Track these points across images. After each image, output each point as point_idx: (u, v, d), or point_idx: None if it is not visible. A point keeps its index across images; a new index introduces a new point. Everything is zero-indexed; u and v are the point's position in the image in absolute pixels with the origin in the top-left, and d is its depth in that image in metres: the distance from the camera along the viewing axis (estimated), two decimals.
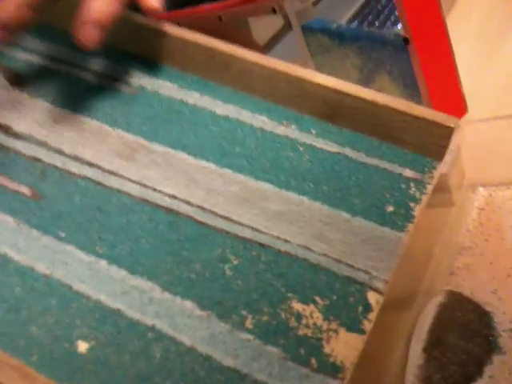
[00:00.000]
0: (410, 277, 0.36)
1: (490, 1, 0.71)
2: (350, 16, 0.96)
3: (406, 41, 0.54)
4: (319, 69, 0.62)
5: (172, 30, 0.43)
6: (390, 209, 0.35)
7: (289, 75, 0.40)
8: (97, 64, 0.43)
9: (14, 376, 0.23)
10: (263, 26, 0.83)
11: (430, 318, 0.34)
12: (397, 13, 0.94)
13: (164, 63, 0.43)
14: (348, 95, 0.39)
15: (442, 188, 0.41)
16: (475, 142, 0.46)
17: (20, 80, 0.41)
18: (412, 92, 0.56)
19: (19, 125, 0.38)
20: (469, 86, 0.55)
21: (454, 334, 0.33)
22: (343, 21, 0.91)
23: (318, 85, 0.40)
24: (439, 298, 0.35)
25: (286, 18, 0.80)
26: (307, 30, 0.65)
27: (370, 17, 0.96)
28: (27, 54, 0.43)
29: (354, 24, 0.89)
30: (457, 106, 0.57)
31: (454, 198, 0.42)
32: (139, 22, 0.42)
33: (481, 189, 0.45)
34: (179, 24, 0.57)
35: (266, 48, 0.85)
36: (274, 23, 0.87)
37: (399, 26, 0.92)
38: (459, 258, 0.40)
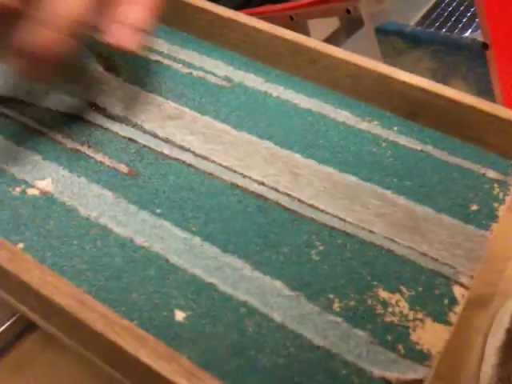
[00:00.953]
0: (490, 277, 0.36)
1: None
2: (417, 20, 0.96)
3: (484, 46, 0.54)
4: None
5: (259, 24, 0.44)
6: (474, 208, 0.35)
7: (373, 72, 0.41)
8: (186, 55, 0.45)
9: (124, 335, 0.25)
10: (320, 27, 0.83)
11: (507, 317, 0.34)
12: (465, 19, 0.93)
13: (248, 57, 0.45)
14: (433, 94, 0.39)
15: None
16: None
17: (113, 65, 0.44)
18: (486, 97, 0.56)
19: (115, 108, 0.40)
20: None
21: None
22: (412, 23, 0.91)
23: (403, 82, 0.40)
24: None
25: (343, 20, 0.81)
26: (380, 32, 0.66)
27: (438, 23, 0.95)
28: None
29: (424, 27, 0.89)
30: None
31: None
32: (225, 16, 0.44)
33: None
34: None
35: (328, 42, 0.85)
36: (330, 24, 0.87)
37: (468, 33, 0.91)
38: None
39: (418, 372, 0.27)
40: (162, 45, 0.46)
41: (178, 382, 0.23)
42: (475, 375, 0.33)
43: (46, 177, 0.35)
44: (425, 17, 0.93)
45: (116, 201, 0.34)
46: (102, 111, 0.40)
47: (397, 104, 0.41)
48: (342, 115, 0.41)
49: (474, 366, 0.33)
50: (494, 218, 0.35)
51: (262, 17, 0.76)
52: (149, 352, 0.24)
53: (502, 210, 0.36)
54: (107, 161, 0.36)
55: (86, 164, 0.36)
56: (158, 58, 0.45)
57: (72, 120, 0.39)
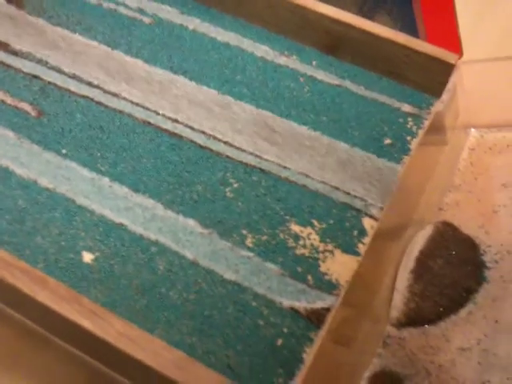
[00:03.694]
0: (402, 209, 0.37)
1: None
2: None
3: None
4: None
5: None
6: (388, 141, 0.36)
7: (291, 3, 0.40)
8: None
9: (24, 279, 0.24)
10: None
11: (418, 245, 0.35)
12: None
13: None
14: (351, 26, 0.39)
15: (437, 127, 0.42)
16: (470, 84, 0.46)
17: None
18: (410, 31, 0.56)
19: (18, 43, 0.37)
20: (468, 28, 0.55)
21: (441, 261, 0.34)
22: None
23: (321, 14, 0.39)
24: (429, 228, 0.36)
25: None
26: None
27: None
28: None
29: None
30: (453, 48, 0.57)
31: (448, 138, 0.43)
32: None
33: (473, 130, 0.46)
34: None
35: None
36: None
37: None
38: (449, 195, 0.41)
39: (326, 301, 0.28)
40: None
41: (79, 321, 0.23)
42: (387, 301, 0.34)
43: None
44: None
45: (19, 141, 0.32)
46: (4, 46, 0.37)
47: (316, 37, 0.40)
48: (261, 50, 0.40)
49: (386, 293, 0.34)
50: (406, 151, 0.35)
51: None
52: (49, 294, 0.24)
53: (414, 143, 0.36)
54: (9, 99, 0.34)
55: None
56: None
57: None
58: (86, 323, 0.23)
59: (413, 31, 0.56)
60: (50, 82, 0.35)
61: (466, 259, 0.35)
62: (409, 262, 0.35)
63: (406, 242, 0.37)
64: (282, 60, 0.40)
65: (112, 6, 0.41)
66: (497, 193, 0.40)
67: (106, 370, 0.25)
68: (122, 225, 0.29)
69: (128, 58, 0.38)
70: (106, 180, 0.31)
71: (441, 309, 0.33)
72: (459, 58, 0.56)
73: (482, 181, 0.42)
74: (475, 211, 0.39)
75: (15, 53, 0.36)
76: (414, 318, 0.33)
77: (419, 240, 0.36)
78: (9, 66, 0.36)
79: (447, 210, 0.40)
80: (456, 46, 0.57)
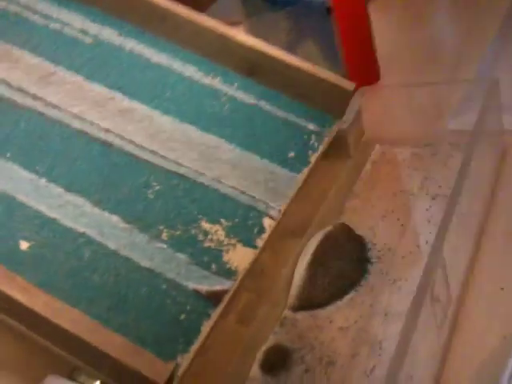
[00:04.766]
0: (305, 212, 0.43)
1: None
2: None
3: (328, 10, 0.60)
4: (253, 30, 0.67)
5: None
6: (291, 154, 0.42)
7: (214, 32, 0.46)
8: (44, 7, 0.47)
9: None
10: None
11: (315, 242, 0.41)
12: None
13: (104, 11, 0.48)
14: (264, 55, 0.45)
15: (342, 142, 0.48)
16: (378, 105, 0.53)
17: None
18: (333, 57, 0.63)
19: None
20: (384, 54, 0.62)
21: (334, 256, 0.41)
22: None
23: (240, 43, 0.46)
24: (327, 229, 0.43)
25: None
26: None
27: None
28: None
29: None
30: (371, 73, 0.64)
31: (352, 152, 0.49)
32: None
33: (377, 146, 0.53)
34: None
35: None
36: None
37: None
38: (349, 201, 0.47)
39: (225, 284, 0.34)
40: None
41: (13, 295, 0.28)
42: (286, 289, 0.40)
43: None
44: None
45: None
46: None
47: (236, 62, 0.47)
48: (190, 70, 0.46)
49: (285, 282, 0.41)
50: (306, 163, 0.42)
51: None
52: None
53: (314, 157, 0.43)
54: None
55: None
56: (16, 9, 0.46)
57: None
58: (18, 296, 0.28)
59: (335, 59, 0.63)
60: None
61: (355, 255, 0.42)
62: (306, 256, 0.41)
63: (307, 240, 0.43)
64: (208, 80, 0.46)
65: (58, 26, 0.46)
66: (388, 200, 0.47)
67: (35, 336, 0.30)
68: (55, 219, 0.34)
69: (69, 74, 0.43)
70: (43, 181, 0.36)
71: (328, 296, 0.39)
72: (376, 81, 0.64)
73: (379, 189, 0.49)
74: (368, 215, 0.46)
75: None
76: (306, 303, 0.39)
77: (317, 238, 0.42)
78: None
79: (346, 214, 0.47)
80: (374, 72, 0.64)
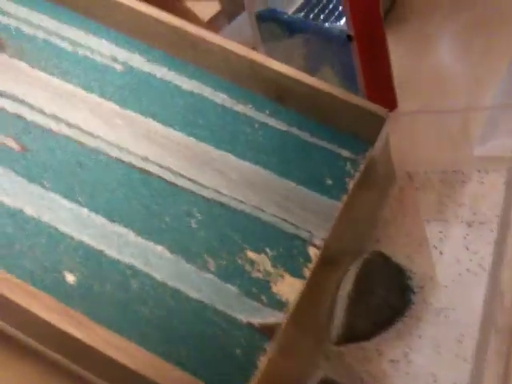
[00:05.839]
0: (343, 240, 0.43)
1: (426, 3, 0.80)
2: (296, 7, 1.02)
3: (349, 38, 0.61)
4: (269, 55, 0.67)
5: (143, 7, 0.47)
6: (329, 182, 0.42)
7: (245, 58, 0.46)
8: (71, 32, 0.46)
9: (17, 291, 0.28)
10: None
11: (355, 271, 0.41)
12: (341, 10, 1.00)
13: (132, 37, 0.47)
14: (295, 81, 0.45)
15: (372, 169, 0.48)
16: (402, 132, 0.53)
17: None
18: (350, 84, 0.63)
19: (1, 84, 0.41)
20: (401, 81, 0.62)
21: (375, 284, 0.40)
22: (290, 11, 0.97)
23: (270, 69, 0.46)
24: (365, 257, 0.42)
25: (223, 3, 0.85)
26: (260, 18, 0.71)
27: (316, 9, 1.02)
28: (5, 18, 0.46)
29: (301, 15, 0.95)
30: (389, 100, 0.64)
31: (380, 179, 0.49)
32: None
33: (404, 172, 0.53)
34: None
35: (210, 24, 0.89)
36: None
37: (343, 21, 0.99)
38: (382, 229, 0.47)
39: (277, 317, 0.33)
40: (46, 21, 0.47)
41: (68, 330, 0.27)
42: (329, 320, 0.39)
43: None
44: (303, 5, 1.00)
45: (4, 174, 0.36)
46: None
47: (266, 88, 0.46)
48: (220, 97, 0.45)
49: (328, 313, 0.40)
50: (344, 190, 0.41)
51: None
52: (41, 306, 0.27)
53: (351, 184, 0.42)
54: None
55: None
56: (44, 34, 0.46)
57: None
58: (74, 332, 0.27)
59: (353, 82, 0.63)
60: (32, 121, 0.39)
61: (396, 284, 0.41)
62: (347, 286, 0.40)
63: (345, 269, 0.42)
64: (239, 108, 0.45)
65: (87, 53, 0.45)
66: (422, 228, 0.47)
67: (89, 375, 0.28)
68: (99, 250, 0.33)
69: (102, 101, 0.42)
70: (84, 210, 0.35)
71: (373, 327, 0.38)
72: (394, 109, 0.64)
73: (410, 217, 0.48)
74: (404, 243, 0.45)
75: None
76: (350, 335, 0.38)
77: (356, 267, 0.41)
78: None
79: (381, 242, 0.46)
80: (391, 98, 0.64)
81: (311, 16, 0.99)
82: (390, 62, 0.63)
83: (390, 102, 0.64)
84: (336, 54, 0.65)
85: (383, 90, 0.64)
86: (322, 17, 0.98)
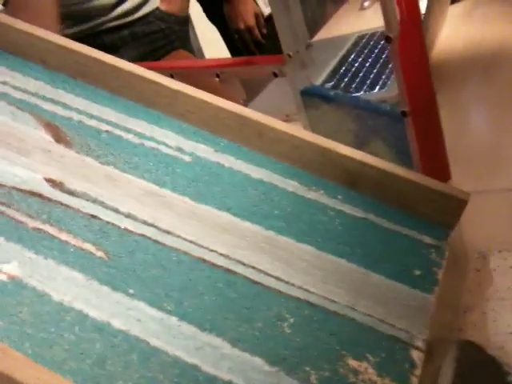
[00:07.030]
0: (436, 336, 0.40)
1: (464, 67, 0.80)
2: (323, 78, 1.03)
3: (404, 114, 0.60)
4: (315, 131, 0.67)
5: (206, 96, 0.46)
6: (418, 272, 0.39)
7: (316, 145, 0.44)
8: (135, 124, 0.46)
9: None
10: None
11: (450, 371, 0.38)
12: (371, 78, 1.01)
13: (197, 126, 0.47)
14: (369, 166, 0.44)
15: (451, 254, 0.46)
16: (472, 211, 0.51)
17: (63, 137, 0.43)
18: (404, 157, 0.62)
19: (71, 182, 0.40)
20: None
21: (474, 381, 0.37)
22: (318, 82, 0.98)
23: (342, 155, 0.44)
24: (455, 349, 0.39)
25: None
26: (305, 94, 0.71)
27: (346, 79, 1.02)
28: (67, 111, 0.45)
29: (329, 85, 0.96)
30: (443, 172, 0.63)
31: (459, 263, 0.47)
32: (173, 88, 0.46)
33: (476, 253, 0.50)
34: (172, 76, 0.61)
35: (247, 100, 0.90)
36: None
37: (376, 90, 0.99)
38: (465, 316, 0.44)
39: None
40: (109, 113, 0.46)
41: None
42: None
43: (11, 260, 0.34)
44: (330, 76, 1.01)
45: (87, 283, 0.34)
46: (59, 185, 0.39)
47: (338, 174, 0.45)
48: (291, 185, 0.44)
49: None
50: (435, 282, 0.39)
51: (187, 71, 0.79)
52: None
53: (440, 274, 0.40)
54: (72, 240, 0.36)
55: (50, 244, 0.35)
56: (108, 127, 0.45)
57: (29, 196, 0.38)
58: None
59: (406, 155, 0.62)
60: (108, 222, 0.37)
61: (494, 380, 0.38)
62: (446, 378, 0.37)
63: (438, 364, 0.39)
64: (311, 194, 0.44)
65: (153, 144, 0.44)
66: (508, 314, 0.44)
67: None
68: (195, 365, 0.31)
69: (175, 196, 0.41)
70: (174, 319, 0.33)
71: None
72: (448, 180, 0.62)
73: (493, 301, 0.46)
74: (491, 331, 0.42)
75: (71, 192, 0.39)
76: None
77: (449, 367, 0.39)
78: (67, 206, 0.38)
79: (466, 331, 0.43)
80: (446, 170, 0.63)
81: (342, 86, 1.00)
82: (443, 135, 0.62)
83: (444, 175, 0.63)
84: (389, 129, 0.64)
85: (438, 163, 0.63)
86: (353, 86, 0.98)
